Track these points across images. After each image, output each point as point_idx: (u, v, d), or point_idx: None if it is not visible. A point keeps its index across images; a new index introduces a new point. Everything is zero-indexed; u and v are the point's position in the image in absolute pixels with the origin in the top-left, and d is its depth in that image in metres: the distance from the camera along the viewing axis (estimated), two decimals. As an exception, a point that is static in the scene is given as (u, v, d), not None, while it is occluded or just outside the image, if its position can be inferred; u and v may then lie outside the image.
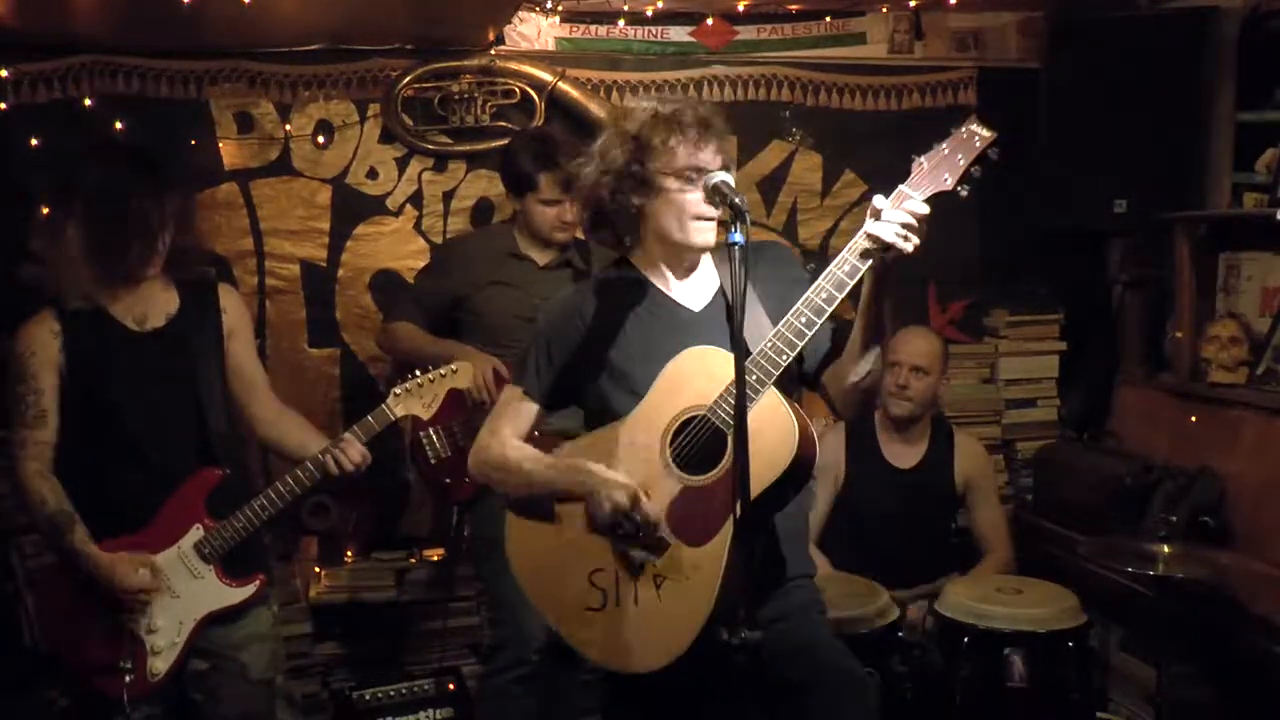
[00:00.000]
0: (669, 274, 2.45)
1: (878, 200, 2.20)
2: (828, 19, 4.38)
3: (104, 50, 3.91)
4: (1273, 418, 3.64)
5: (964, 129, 2.26)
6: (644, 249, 2.44)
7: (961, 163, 2.23)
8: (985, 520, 3.91)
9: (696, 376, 2.27)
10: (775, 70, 4.40)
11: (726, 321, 2.33)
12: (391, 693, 3.79)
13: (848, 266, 2.22)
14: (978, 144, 2.24)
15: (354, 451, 2.90)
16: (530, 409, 2.46)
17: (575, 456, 2.37)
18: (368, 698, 3.77)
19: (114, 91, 3.94)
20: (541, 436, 2.58)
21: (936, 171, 2.24)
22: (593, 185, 2.36)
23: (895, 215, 2.17)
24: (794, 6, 4.31)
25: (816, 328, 2.21)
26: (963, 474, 3.91)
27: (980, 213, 4.17)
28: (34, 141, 3.84)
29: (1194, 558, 3.18)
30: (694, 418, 2.27)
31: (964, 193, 2.24)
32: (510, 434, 2.46)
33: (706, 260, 2.47)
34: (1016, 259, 4.50)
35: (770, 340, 2.22)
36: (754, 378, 2.19)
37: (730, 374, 2.10)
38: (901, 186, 2.23)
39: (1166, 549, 3.16)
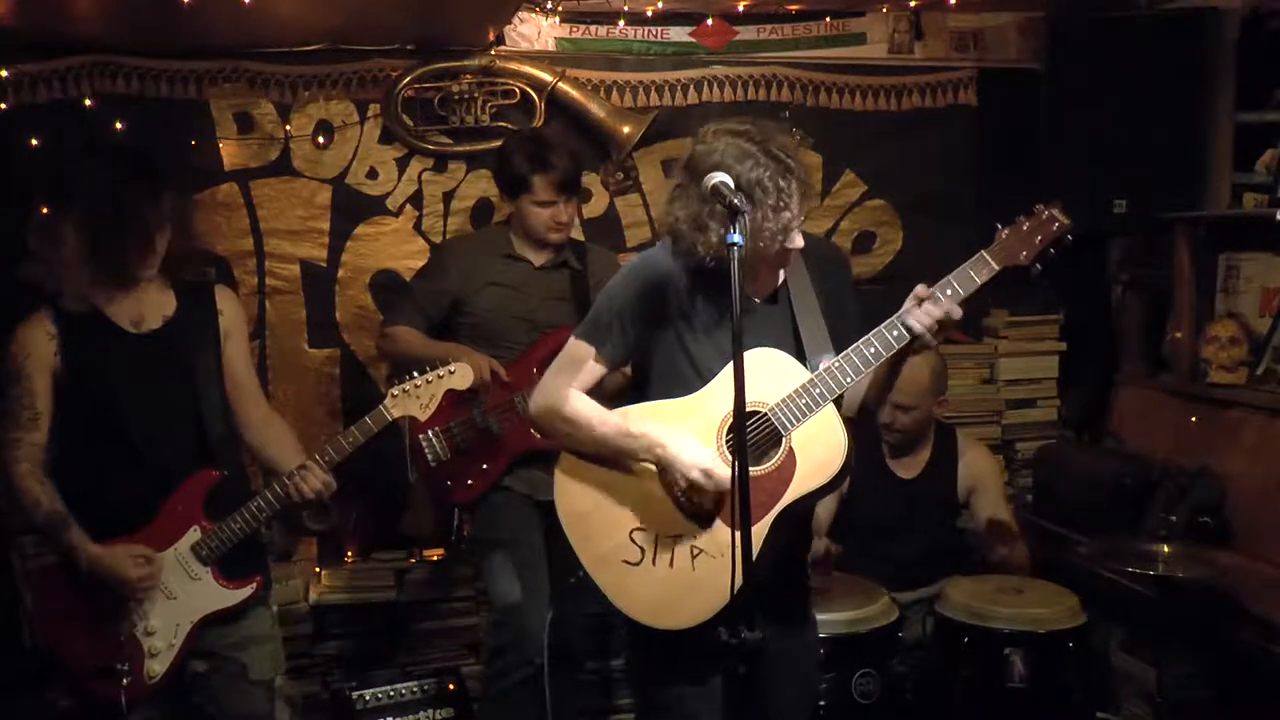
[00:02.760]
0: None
1: (920, 289, 2.34)
2: (828, 19, 4.37)
3: (104, 50, 3.90)
4: (1273, 418, 3.64)
5: (1045, 212, 2.39)
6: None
7: (1039, 242, 2.37)
8: (994, 520, 3.90)
9: (761, 377, 2.33)
10: (775, 70, 4.39)
11: (789, 315, 2.46)
12: (391, 693, 3.79)
13: (902, 325, 2.35)
14: (1055, 228, 2.38)
15: (313, 479, 2.87)
16: (597, 367, 2.49)
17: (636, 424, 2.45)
18: (368, 698, 3.77)
19: (114, 91, 3.93)
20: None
21: (1015, 246, 2.38)
22: (686, 243, 2.36)
23: (932, 311, 2.31)
24: (794, 6, 4.31)
25: (882, 360, 2.36)
26: (967, 480, 3.91)
27: (980, 213, 4.17)
28: (34, 141, 3.84)
29: (1194, 558, 3.18)
30: (754, 413, 2.36)
31: (1037, 270, 2.38)
32: (577, 388, 2.48)
33: None
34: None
35: (839, 361, 2.36)
36: (817, 391, 2.36)
37: (795, 382, 2.35)
38: (983, 252, 2.38)
39: (1166, 549, 3.16)
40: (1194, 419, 3.97)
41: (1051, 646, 3.30)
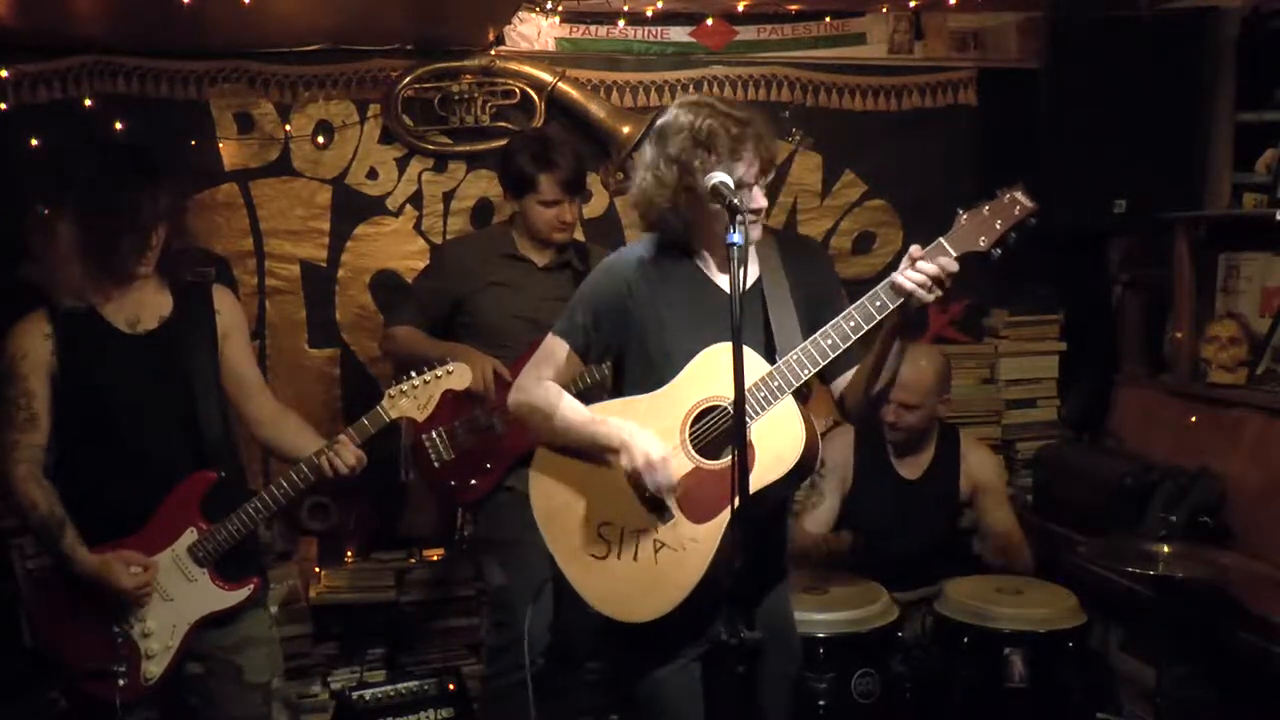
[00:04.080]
0: (712, 260, 2.51)
1: (914, 250, 2.31)
2: (828, 19, 4.38)
3: (104, 50, 3.91)
4: (1273, 418, 3.64)
5: (1007, 195, 2.35)
6: (693, 234, 2.49)
7: (999, 227, 2.33)
8: (997, 522, 3.89)
9: (724, 370, 2.33)
10: (775, 70, 4.40)
11: (761, 309, 2.46)
12: (391, 693, 3.78)
13: (878, 302, 2.34)
14: (1018, 212, 2.34)
15: (348, 454, 2.88)
16: (572, 360, 2.55)
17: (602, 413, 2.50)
18: (368, 698, 3.76)
19: (114, 91, 3.94)
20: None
21: (974, 232, 2.33)
22: (647, 197, 2.42)
23: (925, 267, 2.28)
24: (794, 7, 4.31)
25: (840, 351, 2.36)
26: (970, 480, 3.90)
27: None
28: (34, 141, 3.84)
29: (1194, 558, 3.17)
30: (715, 407, 2.40)
31: (996, 255, 2.34)
32: (553, 381, 2.55)
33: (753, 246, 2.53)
34: (1016, 259, 4.50)
35: (796, 354, 2.37)
36: (775, 384, 2.37)
37: (754, 375, 2.35)
38: (941, 239, 2.33)
39: (1166, 549, 3.15)
40: (1194, 419, 3.97)
41: (1051, 646, 3.30)
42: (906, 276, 2.28)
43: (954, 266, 2.29)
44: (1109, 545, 3.39)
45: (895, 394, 3.70)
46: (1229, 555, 3.43)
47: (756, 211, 2.41)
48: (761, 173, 2.39)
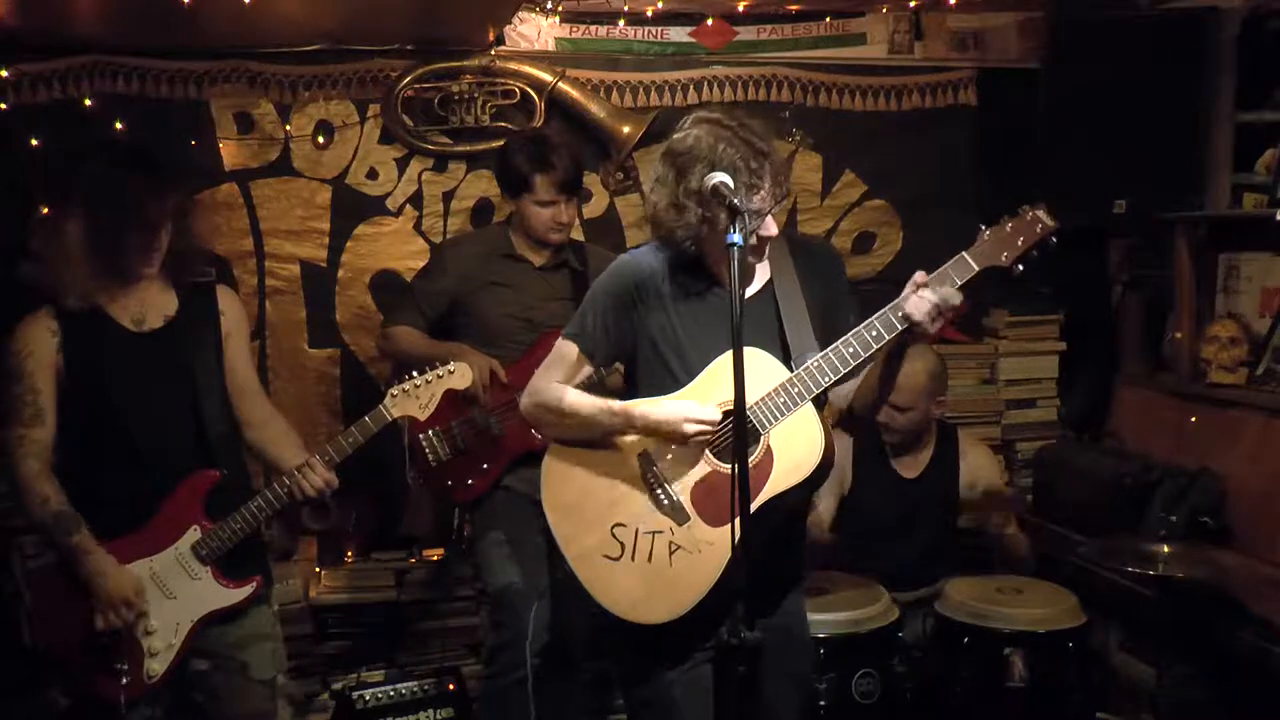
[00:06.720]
0: (723, 268, 2.48)
1: (919, 276, 2.33)
2: (828, 19, 4.38)
3: (104, 50, 3.91)
4: (1272, 418, 3.64)
5: (1030, 213, 2.38)
6: (705, 249, 2.47)
7: (1021, 244, 2.37)
8: (997, 522, 3.89)
9: (746, 375, 2.31)
10: (775, 70, 4.40)
11: (774, 312, 2.46)
12: (391, 693, 3.79)
13: (900, 313, 2.35)
14: (1039, 230, 2.37)
15: (315, 477, 2.87)
16: (581, 362, 2.55)
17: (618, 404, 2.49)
18: (368, 698, 3.77)
19: (114, 91, 3.94)
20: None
21: (996, 247, 2.37)
22: (663, 223, 2.41)
23: (929, 296, 2.30)
24: (794, 7, 4.31)
25: (861, 359, 2.38)
26: (969, 479, 3.91)
27: (980, 214, 4.17)
28: (34, 141, 3.84)
29: (1194, 558, 3.17)
30: (732, 411, 2.34)
31: (1019, 270, 2.37)
32: (562, 383, 2.54)
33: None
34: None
35: (817, 360, 2.38)
36: (795, 390, 2.37)
37: (774, 380, 2.37)
38: (964, 253, 2.37)
39: (1166, 549, 3.16)
40: (1194, 419, 3.97)
41: (1051, 646, 3.30)
42: (912, 305, 2.30)
43: (956, 299, 2.30)
44: (1109, 545, 3.40)
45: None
46: (1229, 555, 3.44)
47: (766, 240, 2.41)
48: (776, 201, 2.38)
